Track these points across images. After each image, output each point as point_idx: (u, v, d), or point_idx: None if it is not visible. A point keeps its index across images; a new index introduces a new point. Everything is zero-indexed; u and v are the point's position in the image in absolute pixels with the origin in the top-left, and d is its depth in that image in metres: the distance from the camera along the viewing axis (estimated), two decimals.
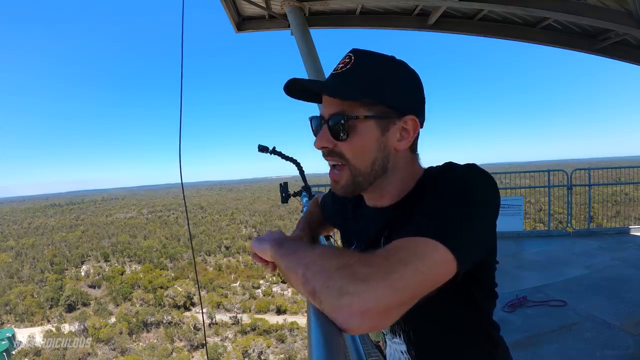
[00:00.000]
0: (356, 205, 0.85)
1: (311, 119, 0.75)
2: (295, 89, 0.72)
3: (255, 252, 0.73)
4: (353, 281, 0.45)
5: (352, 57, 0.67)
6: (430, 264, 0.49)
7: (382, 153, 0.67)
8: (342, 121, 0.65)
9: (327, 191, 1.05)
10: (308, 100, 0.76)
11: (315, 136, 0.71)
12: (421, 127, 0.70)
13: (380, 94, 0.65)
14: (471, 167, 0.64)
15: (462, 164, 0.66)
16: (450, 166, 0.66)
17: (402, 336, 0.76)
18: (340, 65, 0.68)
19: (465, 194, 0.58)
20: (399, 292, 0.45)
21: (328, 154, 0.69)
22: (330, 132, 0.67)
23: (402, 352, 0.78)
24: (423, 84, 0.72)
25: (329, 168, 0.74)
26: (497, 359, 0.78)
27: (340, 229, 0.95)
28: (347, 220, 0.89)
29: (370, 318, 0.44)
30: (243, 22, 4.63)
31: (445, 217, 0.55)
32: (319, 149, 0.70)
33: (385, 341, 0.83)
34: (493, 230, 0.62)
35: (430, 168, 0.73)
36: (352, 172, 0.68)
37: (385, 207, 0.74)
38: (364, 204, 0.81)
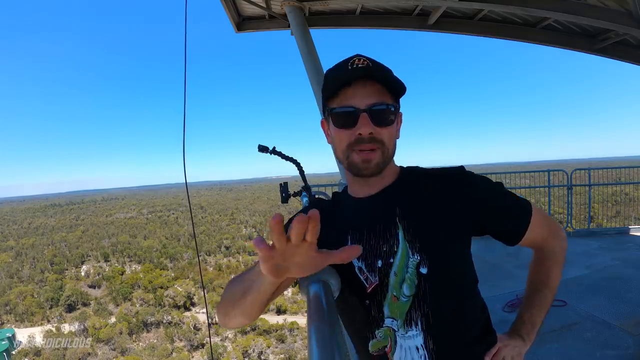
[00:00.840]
0: (336, 207, 0.91)
1: (338, 109, 0.77)
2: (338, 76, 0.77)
3: None
4: None
5: (367, 59, 0.75)
6: (537, 213, 0.87)
7: (395, 140, 0.82)
8: (392, 109, 0.77)
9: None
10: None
11: (343, 127, 0.77)
12: None
13: (400, 92, 0.79)
14: (466, 169, 0.88)
15: (453, 167, 0.86)
16: (463, 169, 0.86)
17: (419, 324, 0.74)
18: (362, 65, 0.74)
19: (490, 180, 0.87)
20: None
21: (370, 140, 0.76)
22: (375, 118, 0.75)
23: (417, 347, 0.75)
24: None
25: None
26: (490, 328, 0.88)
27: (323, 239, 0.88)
28: (331, 224, 0.85)
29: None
30: (243, 22, 4.63)
31: (515, 201, 0.86)
32: (365, 135, 0.75)
33: (396, 341, 0.77)
34: None
35: (407, 166, 0.91)
36: (383, 154, 0.78)
37: (379, 192, 0.84)
38: (348, 200, 0.89)
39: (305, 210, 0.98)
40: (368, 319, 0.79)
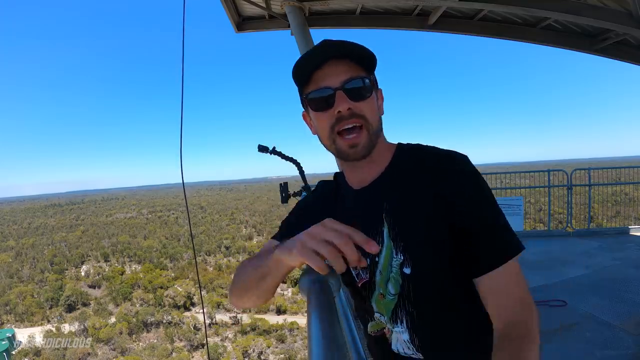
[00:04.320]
0: (337, 195, 0.89)
1: (314, 92, 0.75)
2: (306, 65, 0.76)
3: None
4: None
5: (335, 42, 0.74)
6: (519, 272, 0.71)
7: (379, 114, 0.79)
8: (367, 82, 0.74)
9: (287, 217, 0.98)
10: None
11: (321, 109, 0.75)
12: None
13: (373, 68, 0.79)
14: (470, 163, 0.75)
15: (454, 153, 0.76)
16: (462, 164, 0.74)
17: (405, 322, 0.76)
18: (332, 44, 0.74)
19: (491, 195, 0.73)
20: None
21: (350, 115, 0.73)
22: (351, 94, 0.73)
23: (405, 340, 0.77)
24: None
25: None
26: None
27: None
28: (333, 208, 0.88)
29: None
30: (243, 22, 4.63)
31: (503, 230, 0.71)
32: (344, 112, 0.73)
33: (392, 330, 0.81)
34: None
35: (404, 145, 0.84)
36: (369, 131, 0.75)
37: (371, 183, 0.81)
38: (346, 189, 0.86)
39: (305, 200, 0.99)
40: (363, 309, 0.84)
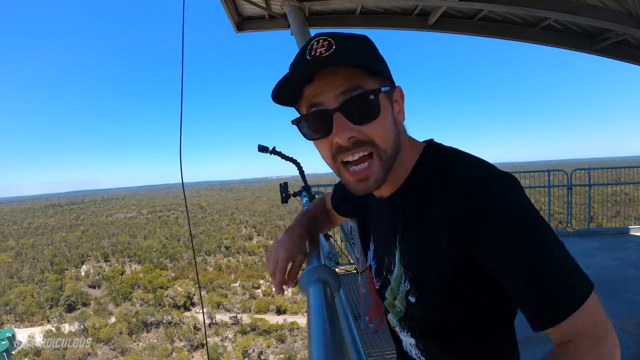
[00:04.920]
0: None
1: (304, 117, 0.61)
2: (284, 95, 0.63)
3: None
4: None
5: (329, 39, 0.57)
6: (600, 308, 0.55)
7: (396, 129, 0.62)
8: (373, 97, 0.56)
9: (333, 189, 1.07)
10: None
11: (317, 137, 0.61)
12: None
13: (380, 65, 0.61)
14: (507, 192, 0.56)
15: (489, 179, 0.57)
16: (484, 188, 0.55)
17: (410, 331, 0.76)
18: (322, 50, 0.56)
19: (536, 230, 0.55)
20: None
21: (354, 145, 0.57)
22: (353, 114, 0.56)
23: (411, 344, 0.78)
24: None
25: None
26: None
27: (359, 218, 0.92)
28: (365, 208, 0.86)
29: None
30: (243, 22, 4.63)
31: (556, 279, 0.54)
32: (345, 143, 0.57)
33: (400, 332, 0.82)
34: None
35: (432, 150, 0.66)
36: (382, 159, 0.59)
37: (389, 196, 0.69)
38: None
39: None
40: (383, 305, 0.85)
